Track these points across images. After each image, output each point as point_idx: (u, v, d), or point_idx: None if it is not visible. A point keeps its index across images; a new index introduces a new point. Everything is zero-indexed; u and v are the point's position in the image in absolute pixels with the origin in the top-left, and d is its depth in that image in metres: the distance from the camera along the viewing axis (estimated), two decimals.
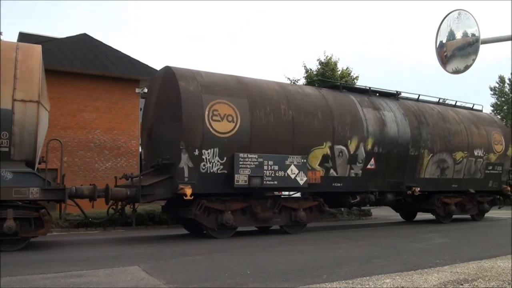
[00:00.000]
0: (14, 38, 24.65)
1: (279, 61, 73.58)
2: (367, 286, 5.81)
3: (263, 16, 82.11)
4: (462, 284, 5.94)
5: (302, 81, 26.19)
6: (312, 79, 24.97)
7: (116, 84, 19.33)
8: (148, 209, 15.04)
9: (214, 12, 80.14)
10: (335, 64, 25.90)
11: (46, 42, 18.44)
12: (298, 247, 10.23)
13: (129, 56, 19.86)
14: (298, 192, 13.92)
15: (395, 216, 19.22)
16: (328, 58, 25.94)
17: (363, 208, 19.54)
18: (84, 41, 19.21)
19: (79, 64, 18.49)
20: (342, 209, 18.86)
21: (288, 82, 24.26)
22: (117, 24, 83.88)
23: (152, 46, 70.68)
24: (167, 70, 12.05)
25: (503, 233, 13.19)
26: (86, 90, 18.94)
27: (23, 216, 9.52)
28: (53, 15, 77.76)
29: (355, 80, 25.96)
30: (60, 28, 70.44)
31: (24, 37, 19.21)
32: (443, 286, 5.84)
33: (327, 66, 25.59)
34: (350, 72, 26.26)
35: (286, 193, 13.96)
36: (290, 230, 12.72)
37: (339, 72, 25.71)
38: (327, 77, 23.68)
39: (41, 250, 9.73)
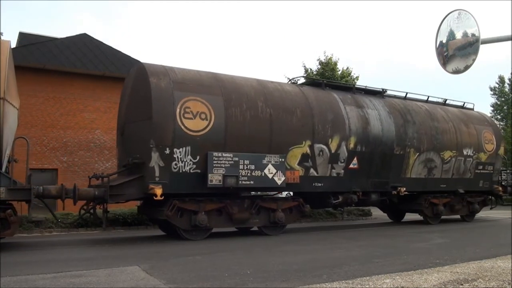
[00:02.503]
0: (14, 38, 24.67)
1: (279, 61, 73.62)
2: (367, 286, 5.80)
3: (263, 16, 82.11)
4: (462, 284, 5.94)
5: (301, 81, 26.15)
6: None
7: (116, 84, 19.27)
8: None
9: (214, 12, 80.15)
10: (335, 64, 25.85)
11: (46, 42, 18.45)
12: (298, 247, 10.23)
13: (129, 56, 19.84)
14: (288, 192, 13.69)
15: None
16: (328, 58, 25.91)
17: (363, 208, 19.49)
18: (84, 41, 19.19)
19: (79, 64, 18.49)
20: (342, 209, 18.73)
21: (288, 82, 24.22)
22: (117, 24, 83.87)
23: (153, 46, 70.69)
24: (139, 66, 11.78)
25: (503, 233, 13.19)
26: (86, 90, 18.94)
27: None
28: (53, 15, 77.77)
29: (356, 80, 25.91)
30: (60, 28, 70.47)
31: (24, 37, 19.22)
32: (443, 286, 5.84)
33: (327, 66, 25.54)
34: (350, 72, 26.23)
35: (285, 193, 13.86)
36: (268, 232, 12.45)
37: (339, 72, 25.66)
38: (327, 77, 23.64)
39: (41, 250, 9.73)
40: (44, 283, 6.12)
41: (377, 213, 20.37)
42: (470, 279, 6.26)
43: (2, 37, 21.99)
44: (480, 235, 13.44)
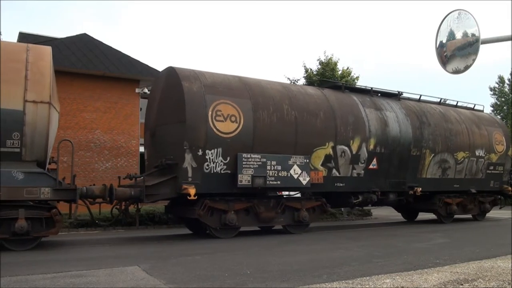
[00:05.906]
0: (14, 38, 24.67)
1: (279, 61, 73.64)
2: (367, 286, 5.80)
3: (263, 16, 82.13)
4: (462, 284, 5.94)
5: (301, 81, 26.17)
6: (312, 79, 24.93)
7: (116, 84, 19.31)
8: (148, 209, 15.04)
9: (214, 12, 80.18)
10: (335, 64, 25.87)
11: (46, 42, 18.43)
12: (298, 247, 10.23)
13: (129, 56, 19.84)
14: (298, 192, 13.91)
15: (396, 216, 19.22)
16: (329, 58, 25.93)
17: (363, 208, 19.54)
18: (84, 41, 19.19)
19: (79, 64, 18.47)
20: (342, 209, 18.86)
21: (288, 82, 24.24)
22: (117, 24, 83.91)
23: (152, 46, 70.73)
24: (171, 70, 12.08)
25: (503, 233, 13.19)
26: (86, 90, 18.92)
27: (35, 216, 9.58)
28: (53, 15, 77.79)
29: (356, 80, 25.94)
30: (60, 28, 70.49)
31: (24, 37, 19.18)
32: (443, 286, 5.84)
33: (327, 66, 25.55)
34: (351, 72, 26.24)
35: (286, 192, 13.95)
36: (293, 230, 12.76)
37: (339, 72, 25.68)
38: (327, 77, 23.66)
39: (42, 250, 9.72)
40: (44, 283, 6.12)
41: (378, 213, 20.40)
42: (470, 279, 6.25)
43: (2, 37, 21.96)
44: (480, 235, 13.45)
